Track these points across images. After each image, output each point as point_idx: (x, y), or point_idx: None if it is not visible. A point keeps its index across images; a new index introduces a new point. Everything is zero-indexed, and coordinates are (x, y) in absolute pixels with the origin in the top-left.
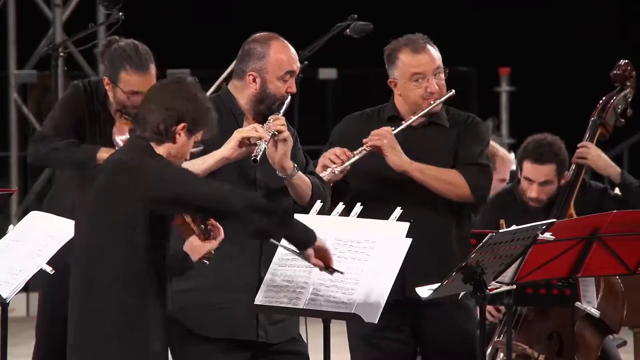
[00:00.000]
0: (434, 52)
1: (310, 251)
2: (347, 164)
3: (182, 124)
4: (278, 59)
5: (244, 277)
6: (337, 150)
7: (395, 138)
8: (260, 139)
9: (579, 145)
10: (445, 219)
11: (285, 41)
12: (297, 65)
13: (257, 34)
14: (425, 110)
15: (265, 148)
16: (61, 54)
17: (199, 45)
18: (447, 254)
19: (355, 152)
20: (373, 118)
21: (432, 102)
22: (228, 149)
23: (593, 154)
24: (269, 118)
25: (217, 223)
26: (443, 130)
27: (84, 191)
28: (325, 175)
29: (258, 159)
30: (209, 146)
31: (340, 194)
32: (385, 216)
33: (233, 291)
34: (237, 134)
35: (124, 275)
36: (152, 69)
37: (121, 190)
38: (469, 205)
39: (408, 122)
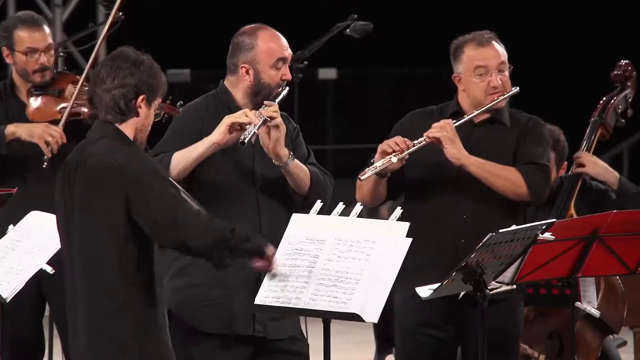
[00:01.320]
0: (499, 47)
1: (259, 262)
2: (405, 153)
3: (142, 96)
4: (268, 47)
5: (240, 272)
6: (398, 138)
7: (456, 131)
8: (249, 123)
9: (574, 156)
10: (500, 214)
11: (273, 30)
12: (288, 52)
13: (245, 27)
14: (488, 105)
15: (254, 132)
16: (61, 53)
17: (199, 45)
18: None
19: (415, 142)
20: (435, 114)
21: (495, 97)
22: (218, 134)
23: (590, 161)
24: (263, 105)
25: None
26: (504, 129)
27: (60, 191)
28: (383, 162)
29: (246, 141)
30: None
31: (397, 183)
32: (440, 208)
33: (230, 287)
34: (227, 119)
35: (117, 270)
36: (47, 29)
37: (103, 190)
38: (517, 203)
39: (470, 116)
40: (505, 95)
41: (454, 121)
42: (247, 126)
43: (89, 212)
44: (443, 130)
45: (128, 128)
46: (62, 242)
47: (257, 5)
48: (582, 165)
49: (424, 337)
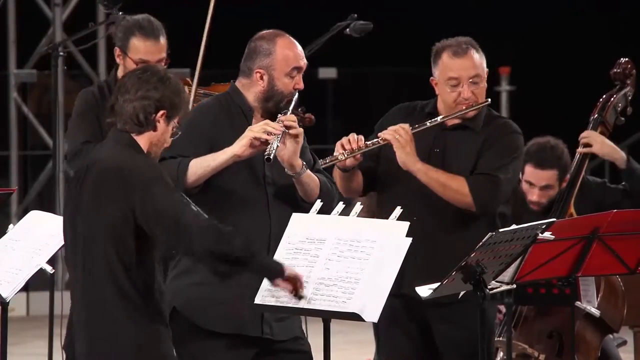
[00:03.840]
0: (477, 58)
1: (279, 282)
2: (357, 152)
3: (162, 111)
4: (285, 55)
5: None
6: (352, 136)
7: (411, 136)
8: (272, 136)
9: (581, 136)
10: (450, 220)
11: (291, 38)
12: (303, 62)
13: (263, 31)
14: (451, 115)
15: (277, 145)
16: (61, 53)
17: (199, 45)
18: (459, 254)
19: (368, 142)
20: (415, 111)
21: (464, 107)
22: (239, 147)
23: (598, 141)
24: (279, 117)
25: None
26: (472, 135)
27: (70, 192)
28: (330, 158)
29: (271, 157)
30: (219, 143)
31: (369, 176)
32: (407, 204)
33: (239, 287)
34: (250, 133)
35: (122, 273)
36: (163, 40)
37: (110, 194)
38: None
39: (430, 124)
40: (474, 107)
41: (416, 125)
42: (270, 140)
43: (95, 214)
44: (396, 133)
45: (143, 140)
46: (66, 243)
47: (258, 5)
48: (588, 145)
49: (398, 336)
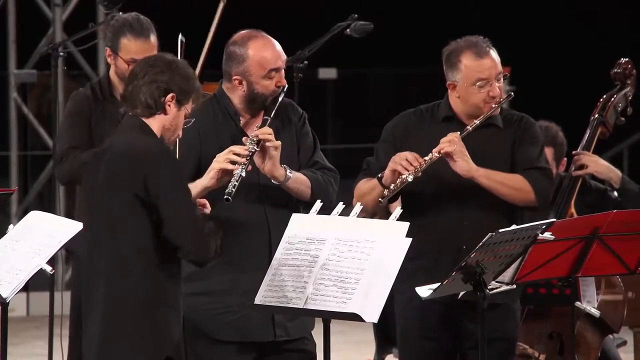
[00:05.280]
0: (496, 56)
1: None
2: (419, 170)
3: (171, 94)
4: (259, 59)
5: (255, 280)
6: (409, 155)
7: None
8: (237, 165)
9: (573, 153)
10: (500, 220)
11: (267, 37)
12: (281, 60)
13: (237, 34)
14: (488, 114)
15: (240, 179)
16: (61, 53)
17: (199, 45)
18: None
19: (426, 159)
20: (426, 116)
21: (493, 105)
22: (208, 180)
23: (592, 161)
24: (254, 130)
25: (206, 201)
26: (498, 131)
27: (86, 179)
28: (399, 182)
29: (231, 198)
30: (207, 150)
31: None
32: (441, 214)
33: (245, 294)
34: (216, 164)
35: (135, 256)
36: (153, 38)
37: (121, 177)
38: (522, 209)
39: (473, 127)
40: (502, 102)
41: (459, 133)
42: (235, 172)
43: (108, 197)
44: (453, 144)
45: (155, 124)
46: (84, 224)
47: (258, 5)
48: (583, 167)
49: (423, 341)
